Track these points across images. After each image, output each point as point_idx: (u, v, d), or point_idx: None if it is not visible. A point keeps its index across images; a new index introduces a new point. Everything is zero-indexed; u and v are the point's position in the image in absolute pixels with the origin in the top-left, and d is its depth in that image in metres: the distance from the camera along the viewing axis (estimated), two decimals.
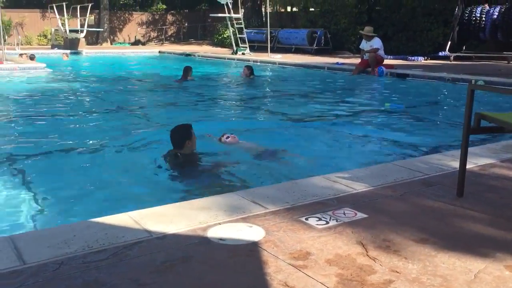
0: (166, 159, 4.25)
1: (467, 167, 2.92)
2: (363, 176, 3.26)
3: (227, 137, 4.86)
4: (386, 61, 13.15)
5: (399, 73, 11.79)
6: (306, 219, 2.52)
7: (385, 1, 18.84)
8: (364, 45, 12.71)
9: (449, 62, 14.82)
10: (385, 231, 2.37)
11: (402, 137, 5.77)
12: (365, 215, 2.58)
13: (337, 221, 2.50)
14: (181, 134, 4.17)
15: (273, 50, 19.29)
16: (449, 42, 15.42)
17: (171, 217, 2.52)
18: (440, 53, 15.73)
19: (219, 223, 2.44)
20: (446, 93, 9.94)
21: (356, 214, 2.60)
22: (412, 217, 2.58)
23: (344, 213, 2.60)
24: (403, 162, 3.78)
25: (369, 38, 12.61)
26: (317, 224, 2.45)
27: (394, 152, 5.05)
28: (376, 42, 12.51)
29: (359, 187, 3.04)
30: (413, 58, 15.71)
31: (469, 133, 2.84)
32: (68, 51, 19.05)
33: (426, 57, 15.91)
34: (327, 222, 2.48)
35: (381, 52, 12.60)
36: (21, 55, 15.92)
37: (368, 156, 4.86)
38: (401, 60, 15.35)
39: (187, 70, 11.05)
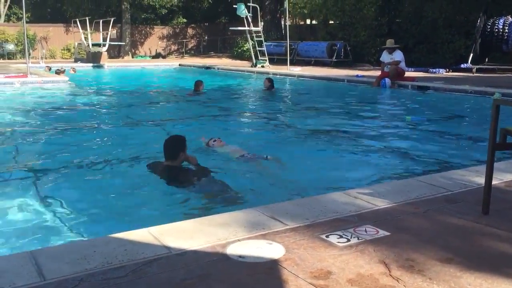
0: (156, 170, 4.23)
1: (492, 183, 2.85)
2: (384, 192, 3.20)
3: (214, 141, 5.16)
4: (407, 73, 13.05)
5: (420, 85, 11.67)
6: (327, 236, 2.48)
7: (406, 13, 18.75)
8: (385, 57, 12.63)
9: (471, 74, 14.62)
10: (408, 250, 2.31)
11: (423, 151, 5.68)
12: (387, 233, 2.52)
13: (358, 238, 2.45)
14: (176, 146, 4.15)
15: (293, 63, 19.31)
16: (471, 54, 15.24)
17: (191, 233, 2.50)
18: (462, 65, 15.53)
19: (239, 240, 2.41)
20: (469, 106, 9.78)
21: (378, 231, 2.54)
22: (436, 235, 2.52)
23: (366, 231, 2.55)
24: (426, 177, 3.71)
25: (391, 51, 12.52)
26: (338, 242, 2.41)
27: (415, 167, 4.96)
28: (398, 55, 12.42)
29: (381, 204, 2.98)
30: (434, 70, 15.54)
31: (494, 149, 2.77)
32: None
33: (447, 69, 15.72)
34: (348, 240, 2.43)
35: (402, 65, 12.51)
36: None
37: (389, 170, 4.79)
38: (422, 72, 15.20)
39: (198, 84, 11.17)
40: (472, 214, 2.80)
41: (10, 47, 25.20)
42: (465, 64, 15.41)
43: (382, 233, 2.53)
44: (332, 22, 22.61)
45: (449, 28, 17.15)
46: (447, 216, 2.78)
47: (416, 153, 5.59)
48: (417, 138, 6.54)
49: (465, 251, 2.32)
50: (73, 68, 17.96)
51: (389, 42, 12.82)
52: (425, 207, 2.92)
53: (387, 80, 11.94)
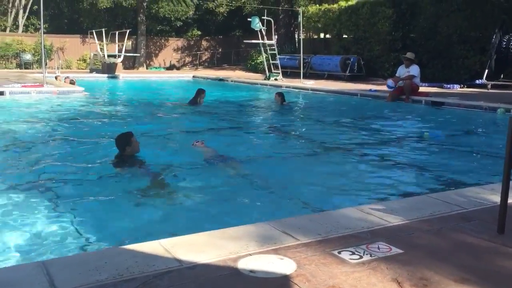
0: (115, 158, 5.09)
1: (508, 201, 2.80)
2: (398, 209, 3.17)
3: (197, 142, 6.05)
4: (421, 89, 12.98)
5: (434, 101, 11.60)
6: (339, 252, 2.45)
7: (420, 28, 18.71)
8: (402, 71, 12.59)
9: (486, 90, 14.50)
10: (421, 269, 2.28)
11: (437, 167, 5.62)
12: (400, 250, 2.49)
13: (371, 256, 2.42)
14: (122, 141, 5.02)
15: (306, 76, 19.32)
16: (486, 70, 15.12)
17: (202, 246, 2.49)
18: (477, 81, 15.41)
19: (250, 254, 2.40)
20: (484, 122, 9.69)
21: (391, 249, 2.51)
22: (450, 254, 2.48)
23: (379, 248, 2.52)
24: (440, 194, 3.66)
25: (408, 64, 12.48)
26: (350, 259, 2.38)
27: (429, 183, 4.91)
28: (414, 70, 12.37)
29: (394, 220, 2.95)
30: (448, 86, 15.44)
31: (510, 167, 2.73)
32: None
33: (462, 85, 15.61)
34: (361, 257, 2.41)
35: (417, 80, 12.45)
36: (59, 77, 15.88)
37: (402, 187, 4.74)
38: (436, 88, 15.12)
39: (200, 92, 10.99)
40: (487, 233, 2.76)
41: (27, 57, 25.62)
42: (480, 80, 15.28)
43: (395, 250, 2.49)
44: (346, 36, 22.61)
45: (464, 44, 17.05)
46: (462, 235, 2.74)
47: (430, 169, 5.53)
48: (431, 154, 6.48)
49: (480, 271, 2.27)
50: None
51: (410, 54, 12.81)
52: (439, 225, 2.88)
53: (389, 81, 12.56)
